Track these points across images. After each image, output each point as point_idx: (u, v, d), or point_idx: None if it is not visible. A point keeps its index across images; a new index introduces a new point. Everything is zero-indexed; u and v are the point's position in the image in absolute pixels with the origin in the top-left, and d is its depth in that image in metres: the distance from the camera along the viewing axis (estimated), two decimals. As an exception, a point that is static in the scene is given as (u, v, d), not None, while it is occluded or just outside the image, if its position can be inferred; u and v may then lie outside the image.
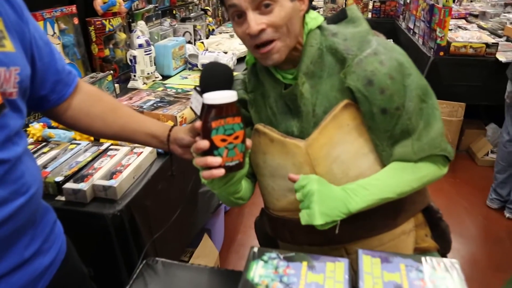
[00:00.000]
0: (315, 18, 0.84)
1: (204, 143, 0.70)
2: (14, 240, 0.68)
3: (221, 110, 0.69)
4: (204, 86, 0.77)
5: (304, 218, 0.78)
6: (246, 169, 0.78)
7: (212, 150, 0.70)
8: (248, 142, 0.75)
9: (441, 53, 2.75)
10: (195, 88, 0.79)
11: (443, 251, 0.96)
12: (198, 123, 0.81)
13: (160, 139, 0.88)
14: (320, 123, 0.83)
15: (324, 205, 0.76)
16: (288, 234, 0.95)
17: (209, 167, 0.71)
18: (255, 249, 0.67)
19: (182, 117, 1.51)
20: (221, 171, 0.71)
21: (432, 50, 2.83)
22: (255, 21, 0.76)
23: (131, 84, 1.99)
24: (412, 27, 3.48)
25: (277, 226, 0.97)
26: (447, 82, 2.76)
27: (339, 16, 0.87)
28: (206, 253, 1.70)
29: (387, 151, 0.84)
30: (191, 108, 0.81)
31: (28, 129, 1.42)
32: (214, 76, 0.77)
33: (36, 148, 1.30)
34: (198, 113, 0.79)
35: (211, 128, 0.69)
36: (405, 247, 0.90)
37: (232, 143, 0.71)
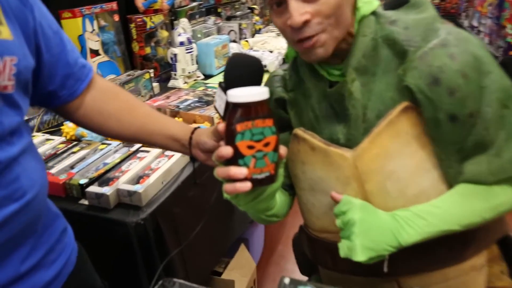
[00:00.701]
0: (369, 2, 0.69)
1: (227, 150, 0.58)
2: (7, 252, 0.60)
3: (249, 110, 0.57)
4: (229, 81, 0.65)
5: (343, 250, 0.64)
6: (279, 183, 0.65)
7: (236, 159, 0.58)
8: (283, 150, 0.62)
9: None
10: (219, 84, 0.68)
11: (525, 293, 0.78)
12: (221, 126, 0.69)
13: (181, 143, 0.78)
14: (372, 130, 0.68)
15: (368, 238, 0.62)
16: (329, 260, 0.80)
17: (233, 180, 0.59)
18: (286, 280, 0.56)
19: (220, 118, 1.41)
20: (247, 185, 0.58)
21: (501, 49, 2.55)
22: (298, 10, 0.63)
23: (171, 83, 1.92)
24: (476, 25, 3.19)
25: (316, 248, 0.83)
26: (518, 85, 2.47)
27: (399, 0, 0.71)
28: (242, 265, 1.59)
29: (455, 167, 0.68)
30: (214, 107, 0.70)
31: (62, 127, 1.38)
32: (240, 69, 0.65)
33: (66, 147, 1.25)
34: (222, 113, 0.67)
35: (235, 132, 0.57)
36: (475, 286, 0.72)
37: (262, 151, 0.58)
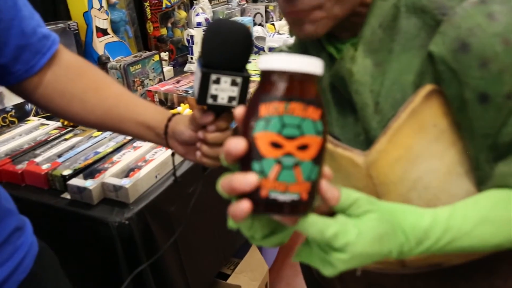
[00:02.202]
0: None
1: (236, 143, 0.34)
2: None
3: (284, 86, 0.34)
4: (206, 53, 0.51)
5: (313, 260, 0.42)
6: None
7: (250, 160, 0.35)
8: (328, 171, 0.38)
9: None
10: (198, 59, 0.53)
11: None
12: (196, 112, 0.55)
13: (155, 131, 0.64)
14: (390, 124, 0.51)
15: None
16: (338, 285, 0.66)
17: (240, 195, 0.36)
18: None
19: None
20: (243, 206, 0.34)
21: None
22: None
23: (187, 67, 1.79)
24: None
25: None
26: None
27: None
28: (252, 268, 1.45)
29: (485, 170, 0.50)
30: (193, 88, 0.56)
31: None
32: (221, 37, 0.50)
33: (59, 134, 1.15)
34: (197, 94, 0.52)
35: (256, 116, 0.34)
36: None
37: (292, 156, 0.34)
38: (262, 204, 0.34)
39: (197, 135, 0.59)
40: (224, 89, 0.52)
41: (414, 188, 0.51)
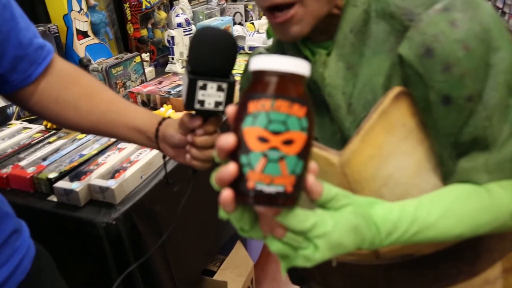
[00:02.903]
0: None
1: (227, 139, 0.37)
2: None
3: (271, 84, 0.38)
4: (193, 60, 0.53)
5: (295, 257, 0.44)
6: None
7: (238, 154, 0.37)
8: (315, 165, 0.40)
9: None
10: (186, 66, 0.56)
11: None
12: (185, 116, 0.57)
13: (146, 135, 0.67)
14: (362, 125, 0.55)
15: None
16: (318, 276, 0.69)
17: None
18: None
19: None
20: (226, 194, 0.37)
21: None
22: None
23: (169, 68, 1.80)
24: (501, 6, 2.98)
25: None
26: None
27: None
28: (238, 264, 1.48)
29: (449, 166, 0.55)
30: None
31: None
32: (207, 44, 0.53)
33: (42, 137, 1.15)
34: (184, 100, 0.55)
35: (245, 112, 0.37)
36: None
37: (278, 150, 0.37)
38: (249, 195, 0.37)
39: (186, 138, 0.61)
40: (210, 95, 0.55)
41: (386, 185, 0.55)
